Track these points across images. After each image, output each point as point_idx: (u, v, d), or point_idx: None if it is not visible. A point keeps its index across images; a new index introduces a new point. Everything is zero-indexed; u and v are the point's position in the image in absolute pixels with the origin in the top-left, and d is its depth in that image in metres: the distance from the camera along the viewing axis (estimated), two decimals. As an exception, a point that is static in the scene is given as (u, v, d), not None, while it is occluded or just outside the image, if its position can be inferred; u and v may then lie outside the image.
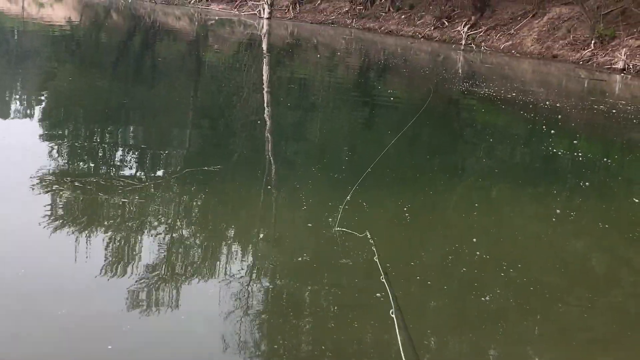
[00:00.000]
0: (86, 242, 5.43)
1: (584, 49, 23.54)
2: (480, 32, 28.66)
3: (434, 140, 10.93)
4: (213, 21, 36.48)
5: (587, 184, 8.57)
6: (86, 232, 5.62)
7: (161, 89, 14.32)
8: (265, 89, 15.02)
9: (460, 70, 21.44)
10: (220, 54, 22.79)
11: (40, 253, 5.22)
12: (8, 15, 31.79)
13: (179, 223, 6.07)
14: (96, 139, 8.91)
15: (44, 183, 6.69)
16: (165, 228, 5.91)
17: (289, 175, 8.03)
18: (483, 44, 27.75)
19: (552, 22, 26.22)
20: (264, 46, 26.35)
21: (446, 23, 30.77)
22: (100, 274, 4.90)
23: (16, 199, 6.24)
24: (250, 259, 5.48)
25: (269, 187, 7.42)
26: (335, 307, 4.74)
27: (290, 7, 39.91)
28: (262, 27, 34.29)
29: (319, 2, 39.39)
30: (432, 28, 31.09)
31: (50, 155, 7.90)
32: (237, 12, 41.53)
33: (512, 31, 27.46)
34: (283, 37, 31.07)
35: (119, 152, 8.38)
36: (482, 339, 4.53)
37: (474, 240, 6.12)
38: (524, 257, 5.93)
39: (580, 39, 24.18)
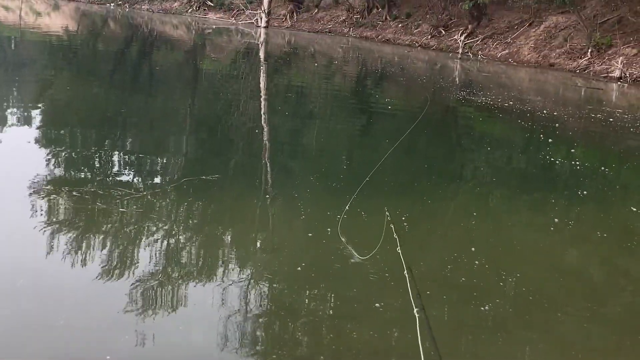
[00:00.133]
0: (85, 252, 5.41)
1: (580, 58, 23.61)
2: (477, 40, 28.74)
3: (432, 149, 10.94)
4: (210, 30, 36.52)
5: (585, 192, 8.57)
6: (85, 242, 5.61)
7: (159, 98, 14.31)
8: (263, 98, 15.03)
9: (457, 79, 21.48)
10: (218, 62, 22.81)
11: (38, 263, 5.20)
12: (5, 24, 31.82)
13: (177, 233, 6.05)
14: (94, 147, 8.90)
15: (41, 192, 6.67)
16: (164, 238, 5.89)
17: (287, 184, 8.02)
18: (480, 52, 27.82)
19: (549, 30, 26.30)
20: (262, 55, 26.38)
21: (443, 32, 30.85)
22: (99, 284, 4.89)
23: (14, 208, 6.22)
24: (249, 268, 5.47)
25: (268, 196, 7.41)
26: (335, 317, 4.73)
27: (288, 16, 39.99)
28: (260, 35, 34.36)
29: (316, 11, 39.47)
30: (429, 37, 31.16)
31: (48, 164, 7.89)
32: (234, 21, 41.61)
33: (509, 40, 27.53)
34: (280, 46, 31.11)
35: (117, 161, 8.37)
36: (481, 349, 4.52)
37: (473, 249, 6.11)
38: (523, 266, 5.93)
39: (577, 48, 24.25)
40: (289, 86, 17.88)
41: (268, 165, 8.86)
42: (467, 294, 5.24)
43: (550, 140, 11.58)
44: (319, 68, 22.70)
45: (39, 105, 11.91)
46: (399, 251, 5.17)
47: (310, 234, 6.21)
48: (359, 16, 36.34)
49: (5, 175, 7.22)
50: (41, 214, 6.10)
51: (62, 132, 9.80)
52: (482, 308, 5.01)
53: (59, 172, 7.66)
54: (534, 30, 27.07)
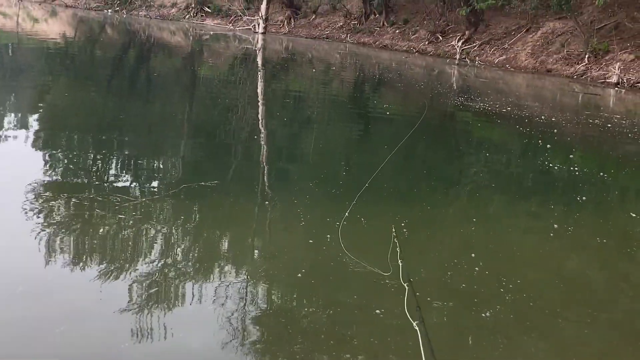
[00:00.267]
0: (84, 259, 5.40)
1: (577, 63, 23.65)
2: (475, 46, 28.79)
3: (430, 155, 10.94)
4: (208, 36, 36.55)
5: (583, 198, 8.57)
6: (83, 248, 5.60)
7: (157, 104, 14.30)
8: (261, 103, 15.02)
9: (454, 85, 21.50)
10: (216, 68, 22.82)
11: (37, 269, 5.19)
12: (3, 30, 31.81)
13: (176, 239, 6.04)
14: (92, 154, 8.88)
15: (40, 198, 6.66)
16: (163, 244, 5.88)
17: (286, 190, 8.01)
18: (477, 58, 27.86)
19: (546, 36, 26.36)
20: (259, 60, 26.40)
21: (440, 38, 30.90)
22: (98, 290, 4.87)
23: (12, 214, 6.20)
24: (249, 274, 5.45)
25: (267, 202, 7.40)
26: (336, 323, 4.71)
27: (285, 22, 40.03)
28: (257, 41, 34.39)
29: (313, 17, 39.53)
30: (427, 42, 31.21)
31: (47, 171, 7.88)
32: (231, 27, 41.65)
33: (506, 46, 27.58)
34: (278, 52, 31.14)
35: (115, 168, 8.36)
36: (481, 355, 4.51)
37: (473, 255, 6.11)
38: (523, 272, 5.93)
39: (574, 54, 24.30)
40: (287, 92, 17.88)
41: (267, 171, 8.85)
42: (468, 300, 5.23)
43: (548, 145, 11.58)
44: (316, 74, 22.72)
45: (37, 111, 11.89)
46: (400, 263, 5.13)
47: (310, 241, 6.20)
48: (356, 22, 36.39)
49: (4, 182, 7.20)
50: (40, 221, 6.08)
51: (60, 138, 9.78)
52: (483, 314, 5.00)
53: (57, 178, 7.64)
54: (531, 36, 27.12)
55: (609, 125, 14.16)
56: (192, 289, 5.09)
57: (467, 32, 29.65)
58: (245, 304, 4.89)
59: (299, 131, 12.27)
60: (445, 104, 16.66)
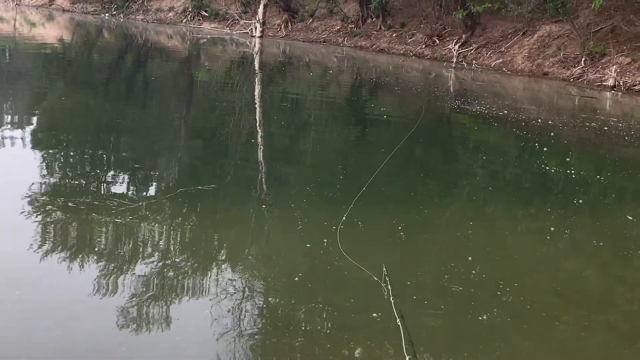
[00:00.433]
0: (80, 263, 5.40)
1: (574, 67, 23.69)
2: (471, 50, 28.83)
3: (427, 158, 10.95)
4: (205, 40, 36.56)
5: (580, 201, 8.58)
6: (80, 253, 5.60)
7: (154, 108, 14.30)
8: (258, 107, 15.03)
9: (451, 88, 21.52)
10: (213, 72, 22.83)
11: (34, 275, 5.19)
12: (0, 34, 31.80)
13: (173, 243, 6.04)
14: (89, 158, 8.88)
15: (36, 204, 6.66)
16: (160, 248, 5.88)
17: (283, 193, 8.01)
18: (474, 61, 27.89)
19: (543, 39, 26.40)
20: (256, 64, 26.42)
21: (437, 41, 30.94)
22: (95, 295, 4.87)
23: (8, 219, 6.20)
24: (246, 278, 5.45)
25: (264, 206, 7.40)
26: (332, 329, 4.71)
27: (282, 26, 40.07)
28: (254, 45, 34.41)
29: (310, 20, 39.57)
30: (424, 46, 31.24)
31: (43, 175, 7.88)
32: (229, 31, 41.67)
33: (503, 49, 27.62)
34: (275, 55, 31.15)
35: (112, 172, 8.36)
36: (479, 358, 4.51)
37: (470, 258, 6.11)
38: (520, 275, 5.93)
39: (571, 57, 24.34)
40: (284, 95, 17.90)
41: (264, 174, 8.85)
42: (465, 302, 5.24)
43: (545, 148, 11.60)
44: (314, 77, 22.73)
45: (34, 115, 11.90)
46: (392, 300, 5.05)
47: (307, 245, 6.20)
48: (353, 26, 36.42)
49: (1, 185, 7.20)
50: (37, 224, 6.08)
51: (57, 142, 9.77)
52: (480, 317, 5.01)
53: (54, 182, 7.64)
54: (527, 39, 27.17)
55: (606, 128, 14.19)
56: (189, 292, 5.09)
57: (463, 36, 29.69)
58: (242, 307, 4.90)
59: (296, 135, 12.28)
60: (442, 107, 16.68)
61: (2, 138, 9.65)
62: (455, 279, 5.65)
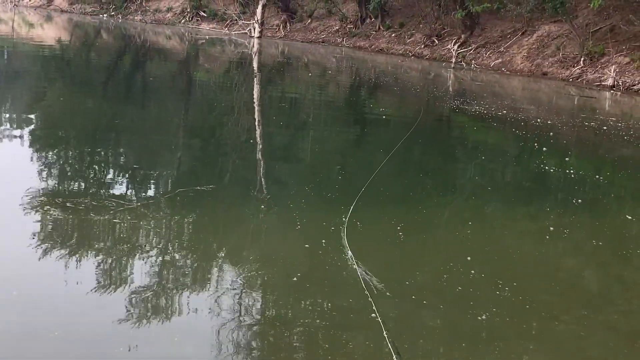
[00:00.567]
0: (79, 263, 5.38)
1: (573, 66, 23.69)
2: (470, 50, 28.83)
3: (426, 159, 10.94)
4: (204, 40, 36.55)
5: (579, 201, 8.57)
6: (78, 252, 5.58)
7: (152, 109, 14.29)
8: (257, 108, 15.02)
9: (450, 88, 21.52)
10: (211, 72, 22.82)
11: (32, 274, 5.17)
12: (-2, 35, 31.80)
13: (171, 243, 6.02)
14: (87, 159, 8.87)
15: (35, 204, 6.64)
16: (158, 248, 5.86)
17: (282, 194, 7.99)
18: (473, 61, 27.89)
19: (542, 39, 26.41)
20: (255, 65, 26.40)
21: (436, 41, 30.93)
22: (93, 295, 4.86)
23: (7, 220, 6.19)
24: (244, 278, 5.43)
25: (263, 206, 7.38)
26: (331, 327, 4.70)
27: (281, 26, 40.07)
28: (253, 46, 34.40)
29: (309, 21, 39.57)
30: (423, 46, 31.24)
31: (41, 176, 7.86)
32: (227, 32, 41.67)
33: (502, 49, 27.63)
34: (274, 56, 31.15)
35: (111, 173, 8.35)
36: (478, 358, 4.50)
37: (469, 258, 6.10)
38: (519, 275, 5.92)
39: (570, 57, 24.34)
40: (283, 96, 17.89)
41: (263, 175, 8.84)
42: (464, 303, 5.22)
43: (544, 148, 11.59)
44: (312, 78, 22.73)
45: (33, 116, 11.88)
46: (373, 306, 4.99)
47: (306, 245, 6.19)
48: (352, 26, 36.42)
49: (-2, 187, 7.20)
50: (35, 225, 6.07)
51: (55, 143, 9.76)
52: (479, 317, 4.99)
53: (52, 183, 7.62)
54: (526, 39, 27.17)
55: (605, 128, 14.18)
56: (187, 293, 5.07)
57: (462, 36, 29.70)
58: (240, 308, 4.88)
59: (295, 135, 12.27)
60: (441, 107, 16.67)
61: (1, 138, 9.64)
62: (454, 279, 5.63)
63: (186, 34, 39.83)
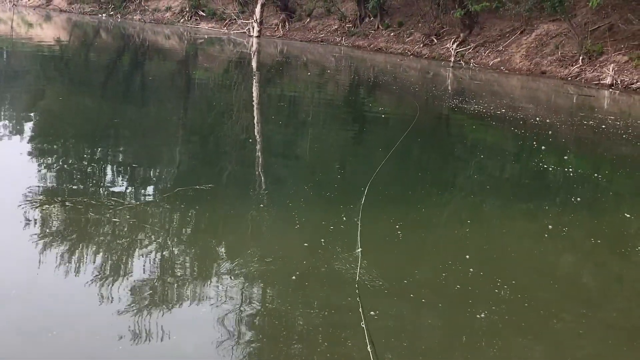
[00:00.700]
0: (78, 262, 5.39)
1: (572, 65, 23.69)
2: (469, 49, 28.83)
3: (425, 157, 10.95)
4: (202, 40, 36.53)
5: (578, 199, 8.58)
6: (78, 251, 5.59)
7: (152, 108, 14.30)
8: (256, 107, 15.03)
9: (449, 87, 21.52)
10: (210, 72, 22.82)
11: (31, 273, 5.18)
12: (-3, 35, 31.78)
13: (170, 242, 6.03)
14: (87, 158, 8.87)
15: (34, 202, 6.65)
16: (157, 247, 5.87)
17: (281, 193, 8.00)
18: (472, 60, 27.89)
19: (540, 38, 26.41)
20: (254, 64, 26.40)
21: (435, 40, 30.93)
22: (92, 294, 4.87)
23: (6, 218, 6.19)
24: (243, 277, 5.44)
25: (262, 205, 7.39)
26: (330, 325, 4.71)
27: (280, 25, 40.04)
28: (252, 45, 34.38)
29: (308, 20, 39.55)
30: (421, 45, 31.23)
31: (41, 175, 7.87)
32: (226, 31, 41.65)
33: (501, 48, 27.63)
34: (273, 55, 31.14)
35: (110, 171, 8.35)
36: (477, 356, 4.51)
37: (467, 256, 6.11)
38: (518, 273, 5.93)
39: (568, 55, 24.34)
40: (282, 95, 17.89)
41: (262, 174, 8.84)
42: (462, 301, 5.23)
43: (543, 147, 11.60)
44: (311, 77, 22.73)
45: (32, 116, 11.88)
46: (359, 300, 4.98)
47: (305, 244, 6.20)
48: (351, 25, 36.39)
49: (-2, 187, 7.20)
50: (34, 224, 6.08)
51: (55, 142, 9.77)
52: (478, 315, 5.00)
53: (52, 182, 7.63)
54: (525, 38, 27.17)
55: (603, 126, 14.19)
56: (187, 291, 5.09)
57: (461, 35, 29.69)
58: (239, 306, 4.89)
59: (293, 134, 12.27)
60: (440, 106, 16.68)
61: (1, 138, 9.65)
62: (453, 277, 5.64)
63: (185, 33, 39.80)
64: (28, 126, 10.84)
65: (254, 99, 16.62)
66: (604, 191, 9.35)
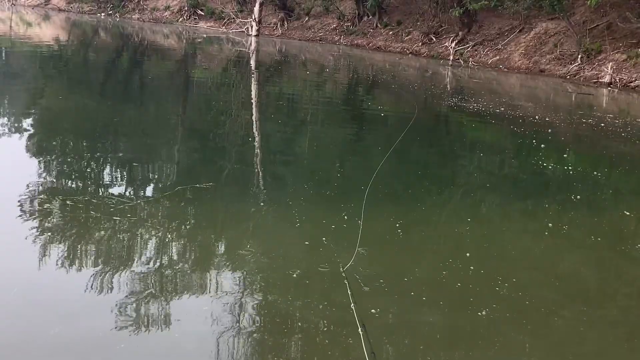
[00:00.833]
0: (78, 261, 5.40)
1: (570, 64, 23.71)
2: (468, 47, 28.83)
3: (425, 156, 10.95)
4: (201, 39, 36.51)
5: (578, 197, 8.59)
6: (78, 250, 5.60)
7: (151, 107, 14.30)
8: (255, 106, 15.03)
9: (448, 86, 21.53)
10: (209, 71, 22.81)
11: (32, 271, 5.18)
12: (-5, 34, 31.75)
13: (171, 241, 6.04)
14: (87, 157, 8.87)
15: (34, 202, 6.66)
16: (158, 246, 5.88)
17: (281, 192, 8.01)
18: (471, 59, 27.90)
19: (539, 37, 26.42)
20: (253, 63, 26.39)
21: (434, 39, 30.94)
22: (93, 292, 4.87)
23: (7, 217, 6.19)
24: (244, 276, 5.45)
25: (262, 204, 7.40)
26: (331, 323, 4.72)
27: (278, 24, 40.02)
28: (250, 44, 34.37)
29: (306, 19, 39.53)
30: (420, 44, 31.24)
31: (41, 174, 7.87)
32: (225, 30, 41.63)
33: (500, 46, 27.64)
34: (271, 54, 31.14)
35: (110, 171, 8.36)
36: (478, 354, 4.52)
37: (468, 255, 6.12)
38: (518, 271, 5.94)
39: (567, 54, 24.36)
40: (281, 94, 17.89)
41: (262, 173, 8.85)
42: (463, 299, 5.24)
43: (542, 145, 11.62)
44: (310, 76, 22.72)
45: (31, 115, 11.89)
46: (353, 307, 4.98)
47: (306, 242, 6.21)
48: (349, 24, 36.38)
49: (-2, 186, 7.21)
50: (35, 222, 6.08)
51: (54, 141, 9.77)
52: (479, 313, 5.01)
53: (52, 181, 7.63)
54: (524, 36, 27.19)
55: (602, 124, 14.20)
56: (188, 289, 5.09)
57: (460, 33, 29.70)
58: (240, 304, 4.90)
59: (293, 133, 12.28)
60: (439, 105, 16.69)
61: (1, 137, 9.64)
62: (453, 275, 5.65)
63: (184, 32, 39.78)
64: (28, 125, 10.83)
65: (253, 97, 16.62)
66: (604, 189, 9.36)
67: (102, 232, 6.04)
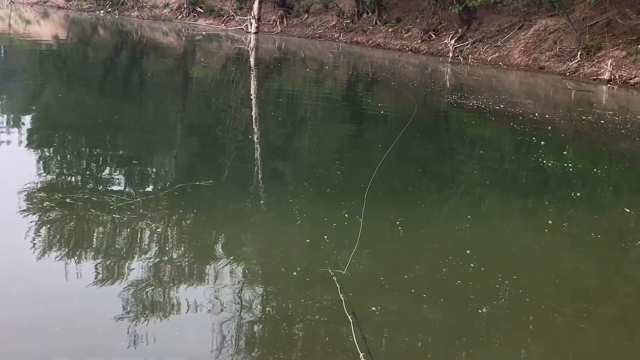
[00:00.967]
0: (78, 258, 5.39)
1: (570, 60, 23.69)
2: (468, 44, 28.81)
3: (424, 153, 10.94)
4: (200, 36, 36.48)
5: (577, 194, 8.59)
6: (78, 247, 5.60)
7: (150, 105, 14.29)
8: (254, 103, 15.02)
9: (448, 83, 21.53)
10: (209, 68, 22.79)
11: (32, 269, 5.18)
12: (-5, 32, 31.72)
13: (170, 238, 6.04)
14: (86, 155, 8.87)
15: (34, 199, 6.65)
16: (157, 243, 5.88)
17: (281, 189, 8.00)
18: (470, 56, 27.88)
19: (539, 34, 26.40)
20: (252, 60, 26.37)
21: (433, 36, 30.91)
22: (93, 289, 4.87)
23: (6, 216, 6.19)
24: (244, 273, 5.45)
25: (262, 201, 7.39)
26: (331, 321, 4.71)
27: (278, 22, 39.97)
28: (250, 41, 34.33)
29: (306, 16, 39.49)
30: (420, 41, 31.21)
31: (41, 172, 7.86)
32: (224, 27, 41.58)
33: (499, 43, 27.62)
34: (271, 51, 31.12)
35: (110, 168, 8.35)
36: (478, 351, 4.52)
37: (468, 252, 6.12)
38: (518, 268, 5.94)
39: (567, 51, 24.34)
40: (281, 92, 17.88)
41: (262, 170, 8.84)
42: (463, 296, 5.24)
43: (542, 142, 11.62)
44: (310, 73, 22.71)
45: (31, 113, 11.87)
46: (342, 297, 4.98)
47: (306, 240, 6.21)
48: (349, 21, 36.34)
49: (-2, 183, 7.20)
50: (35, 220, 6.07)
51: (54, 139, 9.76)
52: (479, 310, 5.01)
53: (52, 179, 7.63)
54: (523, 33, 27.16)
55: (602, 121, 14.20)
56: (187, 288, 5.09)
57: (460, 30, 29.66)
58: (240, 303, 4.89)
59: (292, 131, 12.27)
60: (438, 102, 16.69)
61: (0, 134, 9.65)
62: (453, 273, 5.65)
63: (183, 30, 39.73)
64: (27, 123, 10.82)
65: (253, 95, 16.62)
66: (604, 186, 9.35)
67: (102, 230, 6.04)
